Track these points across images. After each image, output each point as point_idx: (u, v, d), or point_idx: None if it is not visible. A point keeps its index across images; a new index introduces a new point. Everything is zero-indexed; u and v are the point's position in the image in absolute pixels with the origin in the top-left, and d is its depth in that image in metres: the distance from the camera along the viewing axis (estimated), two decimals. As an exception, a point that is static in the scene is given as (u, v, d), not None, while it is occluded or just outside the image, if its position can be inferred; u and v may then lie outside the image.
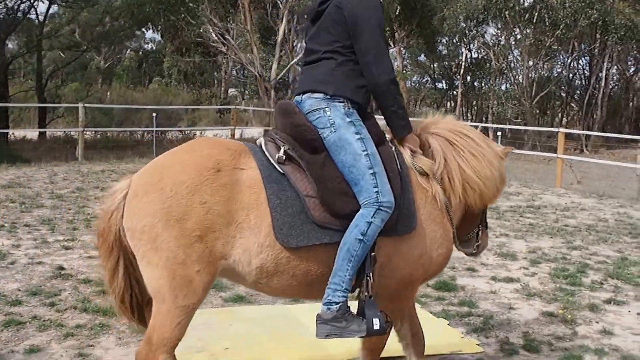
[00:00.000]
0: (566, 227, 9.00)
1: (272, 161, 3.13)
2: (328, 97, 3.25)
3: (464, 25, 26.35)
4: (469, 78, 32.33)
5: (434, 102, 32.74)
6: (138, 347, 3.15)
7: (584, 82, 31.40)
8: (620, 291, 6.16)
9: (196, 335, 4.65)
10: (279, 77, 22.21)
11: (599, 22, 23.43)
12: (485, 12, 24.35)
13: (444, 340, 4.79)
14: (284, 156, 3.13)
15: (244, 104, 33.60)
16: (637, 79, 33.14)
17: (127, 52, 42.89)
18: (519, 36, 25.98)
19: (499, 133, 16.95)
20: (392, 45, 27.46)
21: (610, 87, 31.47)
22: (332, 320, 3.15)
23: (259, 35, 23.76)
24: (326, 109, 3.24)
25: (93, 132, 19.47)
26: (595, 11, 22.70)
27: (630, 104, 32.46)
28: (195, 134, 21.76)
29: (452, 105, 33.94)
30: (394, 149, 3.36)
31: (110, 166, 14.53)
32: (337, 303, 3.13)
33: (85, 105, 17.31)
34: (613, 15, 23.01)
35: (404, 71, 28.98)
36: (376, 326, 3.14)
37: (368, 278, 3.18)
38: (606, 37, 25.12)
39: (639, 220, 9.92)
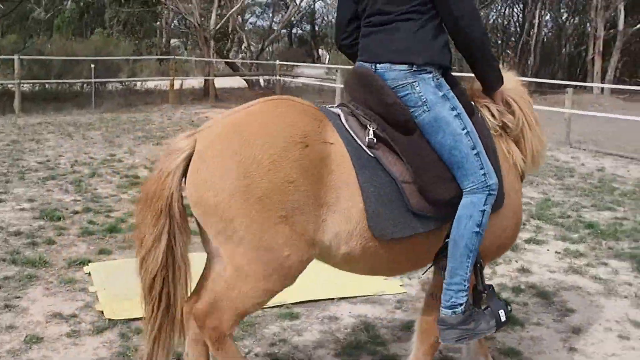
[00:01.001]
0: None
1: (357, 140, 2.80)
2: (414, 69, 2.85)
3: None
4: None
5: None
6: (197, 307, 2.82)
7: (518, 29, 32.17)
8: (541, 231, 6.46)
9: (125, 283, 4.52)
10: (218, 26, 22.18)
11: (531, -30, 24.02)
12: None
13: (368, 281, 4.83)
14: (375, 139, 2.80)
15: (186, 54, 33.40)
16: (569, 25, 34.07)
17: (68, 2, 41.73)
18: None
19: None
20: (332, -6, 27.51)
21: (544, 33, 32.37)
22: (460, 324, 2.86)
23: (199, -16, 23.53)
24: (414, 83, 2.85)
25: (31, 85, 19.32)
26: (528, -42, 23.27)
27: (563, 50, 33.39)
28: (136, 85, 21.78)
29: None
30: (480, 115, 3.06)
31: (47, 118, 14.64)
32: (461, 304, 2.86)
33: (22, 57, 17.20)
34: (545, -38, 23.61)
35: (344, 20, 29.10)
36: (503, 318, 2.91)
37: (481, 268, 2.97)
38: (538, -16, 25.74)
39: (564, 163, 10.49)
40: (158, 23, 29.74)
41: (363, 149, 2.78)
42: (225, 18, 22.82)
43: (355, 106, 2.90)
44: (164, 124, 14.33)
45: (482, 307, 2.96)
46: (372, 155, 2.77)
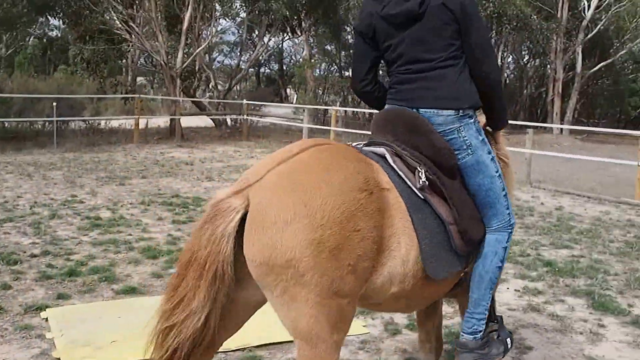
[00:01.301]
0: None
1: (408, 183, 2.88)
2: (460, 114, 3.02)
3: (368, 15, 27.11)
4: (374, 66, 33.29)
5: (340, 91, 33.38)
6: None
7: (481, 71, 32.91)
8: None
9: (84, 329, 4.72)
10: (184, 65, 22.24)
11: (494, 14, 24.61)
12: (388, 3, 25.16)
13: None
14: (427, 181, 2.91)
15: (152, 93, 33.37)
16: (530, 67, 35.04)
17: (31, 38, 41.48)
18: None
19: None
20: (299, 34, 27.91)
21: (506, 75, 33.22)
22: (477, 349, 3.12)
23: (165, 23, 23.63)
24: (460, 128, 3.02)
25: (-11, 123, 19.03)
26: (491, 4, 23.86)
27: (525, 91, 34.30)
28: (99, 124, 21.62)
29: (359, 93, 34.71)
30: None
31: (6, 158, 14.39)
32: (481, 331, 3.14)
33: (-19, 94, 17.01)
34: (506, 7, 24.22)
35: (312, 60, 29.52)
36: (509, 345, 3.24)
37: (493, 299, 3.25)
38: (501, 28, 26.48)
39: (525, 202, 10.75)
40: (124, 61, 29.70)
41: (414, 191, 2.87)
42: (192, 57, 22.89)
43: (400, 147, 2.99)
44: (128, 164, 14.21)
45: (494, 335, 3.27)
46: (422, 197, 2.88)
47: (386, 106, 3.23)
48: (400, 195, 2.80)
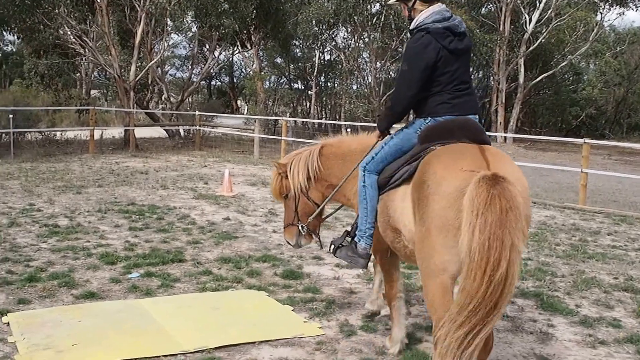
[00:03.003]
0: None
1: None
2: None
3: (317, 28, 27.66)
4: (322, 78, 34.03)
5: (290, 102, 34.15)
6: None
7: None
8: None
9: (45, 332, 4.80)
10: (138, 78, 22.58)
11: (439, 29, 25.61)
12: (336, 17, 25.69)
13: (287, 325, 5.12)
14: None
15: (106, 105, 33.51)
16: (474, 79, 36.16)
17: (-14, 53, 41.16)
18: (367, 40, 27.75)
19: (349, 130, 18.13)
20: (249, 48, 28.50)
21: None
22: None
23: (118, 38, 23.96)
24: None
25: (-55, 135, 19.15)
26: (435, 18, 24.81)
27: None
28: (55, 135, 21.84)
29: (308, 104, 35.44)
30: None
31: None
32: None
33: (-63, 107, 17.15)
34: (451, 21, 25.22)
35: (262, 72, 30.15)
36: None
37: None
38: (445, 41, 27.41)
39: None
40: (78, 74, 29.87)
41: None
42: (144, 70, 23.22)
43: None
44: (84, 173, 14.32)
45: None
46: None
47: (445, 117, 4.21)
48: None
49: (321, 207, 5.32)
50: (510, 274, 3.23)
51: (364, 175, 4.47)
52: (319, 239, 5.51)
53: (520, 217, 3.31)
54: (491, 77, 33.11)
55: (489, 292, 3.21)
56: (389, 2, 4.82)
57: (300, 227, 5.31)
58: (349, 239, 4.76)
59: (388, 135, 4.59)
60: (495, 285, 3.20)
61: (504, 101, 30.72)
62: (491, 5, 32.92)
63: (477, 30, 27.05)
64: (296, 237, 5.39)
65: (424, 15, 4.29)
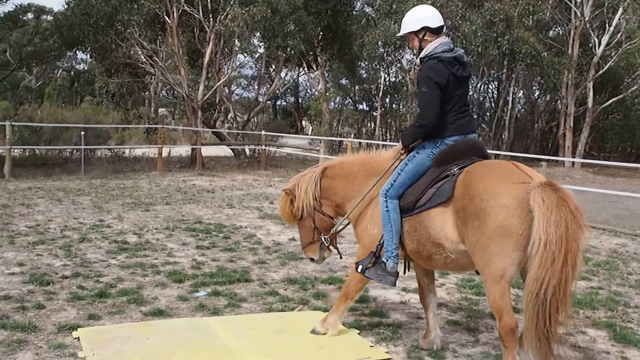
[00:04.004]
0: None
1: None
2: None
3: (382, 50, 27.47)
4: (387, 100, 33.75)
5: (355, 123, 34.04)
6: None
7: (493, 105, 33.43)
8: (521, 299, 6.57)
9: (114, 348, 4.85)
10: (205, 97, 22.89)
11: (507, 51, 25.07)
12: (402, 39, 25.55)
13: (354, 348, 5.11)
14: None
15: (174, 123, 34.13)
16: (541, 102, 35.43)
17: (59, 71, 42.79)
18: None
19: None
20: (315, 69, 28.57)
21: (517, 109, 33.63)
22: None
23: (187, 58, 24.40)
24: None
25: (21, 150, 19.79)
26: (505, 41, 24.29)
27: (536, 125, 34.60)
28: (124, 152, 22.31)
29: (372, 125, 35.28)
30: None
31: (37, 183, 14.83)
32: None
33: (13, 123, 17.72)
34: (520, 44, 24.57)
35: (327, 93, 30.15)
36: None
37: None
38: (513, 64, 26.88)
39: None
40: (147, 93, 30.55)
41: None
42: (212, 89, 23.53)
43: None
44: (152, 191, 14.49)
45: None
46: None
47: (455, 137, 4.82)
48: None
49: (340, 223, 5.58)
50: (578, 262, 4.00)
51: (386, 201, 4.84)
52: (337, 250, 5.76)
53: (582, 215, 4.02)
54: (559, 101, 32.26)
55: (563, 279, 3.93)
56: (399, 34, 5.41)
57: (323, 239, 5.55)
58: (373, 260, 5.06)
59: (402, 162, 4.96)
60: (569, 272, 3.92)
61: (572, 125, 29.88)
62: (559, 29, 32.15)
63: (545, 53, 26.38)
64: (319, 252, 5.61)
65: (433, 45, 4.89)
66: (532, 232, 3.96)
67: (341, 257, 6.39)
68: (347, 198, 5.40)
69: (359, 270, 5.03)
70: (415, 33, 4.96)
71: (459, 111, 4.84)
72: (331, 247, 5.66)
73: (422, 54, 4.93)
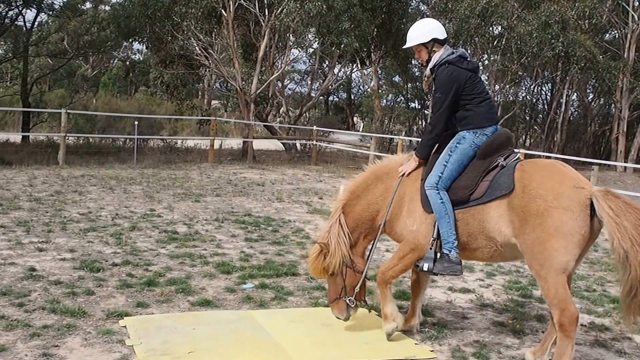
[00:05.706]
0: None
1: None
2: None
3: (436, 49, 27.14)
4: (439, 98, 33.29)
5: (406, 120, 33.70)
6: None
7: (546, 107, 32.65)
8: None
9: (161, 338, 4.89)
10: (259, 91, 22.89)
11: (562, 53, 24.42)
12: (456, 37, 25.20)
13: (399, 346, 5.10)
14: None
15: (226, 116, 34.32)
16: (594, 106, 34.43)
17: (115, 61, 43.56)
18: (487, 62, 26.92)
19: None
20: (368, 65, 28.32)
21: (570, 112, 32.77)
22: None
23: (242, 51, 24.46)
24: None
25: (76, 138, 20.05)
26: (560, 43, 23.66)
27: (588, 129, 33.72)
28: (176, 143, 22.45)
29: (424, 124, 34.78)
30: None
31: (90, 171, 14.95)
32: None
33: (69, 111, 17.95)
34: (575, 47, 23.93)
35: (379, 90, 29.87)
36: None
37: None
38: (568, 67, 26.17)
39: None
40: (200, 85, 30.76)
41: None
42: (266, 83, 23.54)
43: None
44: (203, 182, 14.48)
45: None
46: None
47: (493, 127, 5.06)
48: None
49: (363, 276, 5.39)
50: None
51: (438, 193, 4.90)
52: (366, 302, 5.69)
53: None
54: (613, 105, 31.32)
55: None
56: (405, 46, 5.50)
57: (348, 302, 5.34)
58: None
59: (444, 154, 5.04)
60: None
61: (625, 130, 29.06)
62: (615, 32, 31.18)
63: (600, 57, 25.55)
64: (346, 312, 5.39)
65: (439, 54, 5.18)
66: (613, 243, 4.33)
67: (370, 311, 6.11)
68: (373, 214, 5.35)
69: (426, 269, 4.98)
70: (425, 44, 5.23)
71: (488, 101, 5.12)
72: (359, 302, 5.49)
73: (431, 65, 5.22)
